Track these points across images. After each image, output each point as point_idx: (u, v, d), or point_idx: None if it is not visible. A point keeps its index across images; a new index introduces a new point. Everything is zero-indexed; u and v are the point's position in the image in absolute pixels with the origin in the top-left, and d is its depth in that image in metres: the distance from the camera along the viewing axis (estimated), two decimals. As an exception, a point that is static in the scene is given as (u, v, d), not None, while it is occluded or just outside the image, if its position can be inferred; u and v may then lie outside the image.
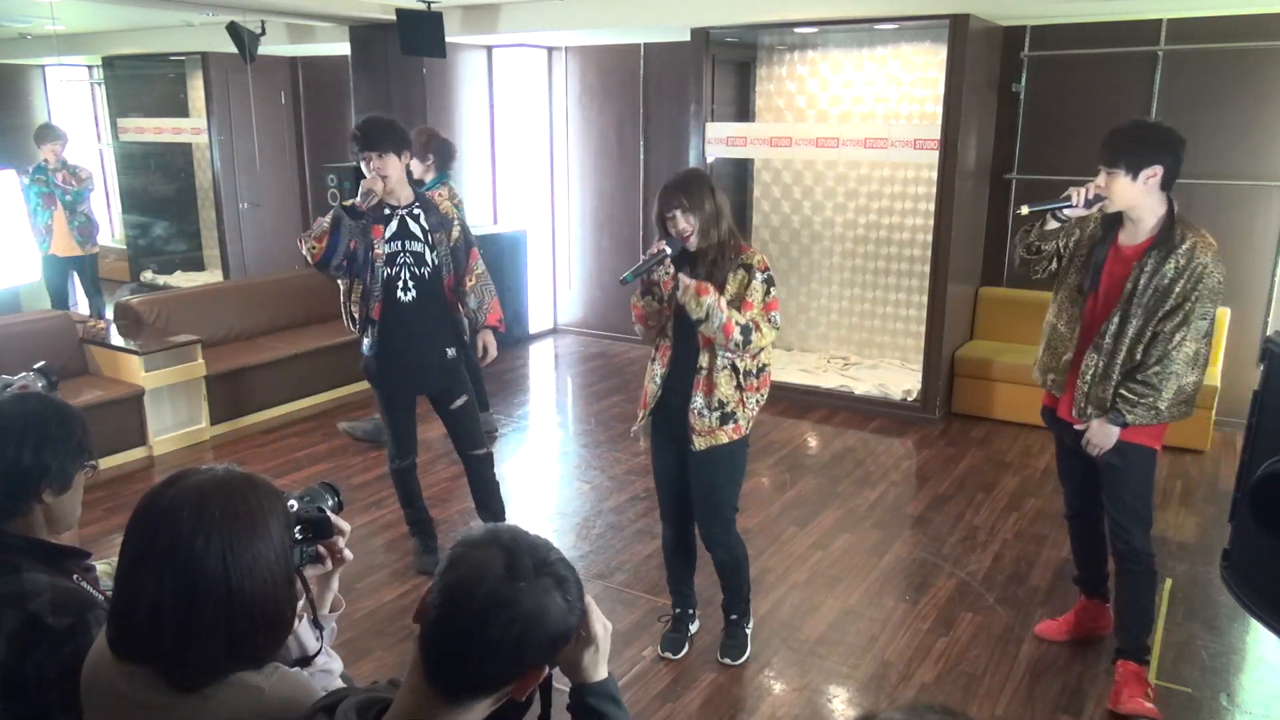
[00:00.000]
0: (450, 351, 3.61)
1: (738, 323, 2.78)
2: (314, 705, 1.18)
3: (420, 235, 3.45)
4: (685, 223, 2.81)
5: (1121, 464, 2.90)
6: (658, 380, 3.00)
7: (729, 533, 3.12)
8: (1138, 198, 2.69)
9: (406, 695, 1.13)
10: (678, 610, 3.34)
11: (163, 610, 1.20)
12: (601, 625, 1.22)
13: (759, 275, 2.85)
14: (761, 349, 2.89)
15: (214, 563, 1.19)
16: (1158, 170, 2.64)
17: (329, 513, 1.51)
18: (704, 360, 2.90)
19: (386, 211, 3.41)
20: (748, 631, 3.31)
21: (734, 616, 3.28)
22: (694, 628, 3.38)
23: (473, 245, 3.63)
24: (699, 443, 2.95)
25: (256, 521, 1.23)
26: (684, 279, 2.80)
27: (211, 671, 1.22)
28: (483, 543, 1.12)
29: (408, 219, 3.44)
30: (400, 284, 3.44)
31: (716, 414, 2.92)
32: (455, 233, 3.55)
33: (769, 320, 2.86)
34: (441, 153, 4.91)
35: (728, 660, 3.23)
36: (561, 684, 1.23)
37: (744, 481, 3.19)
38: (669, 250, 2.82)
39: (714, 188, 2.88)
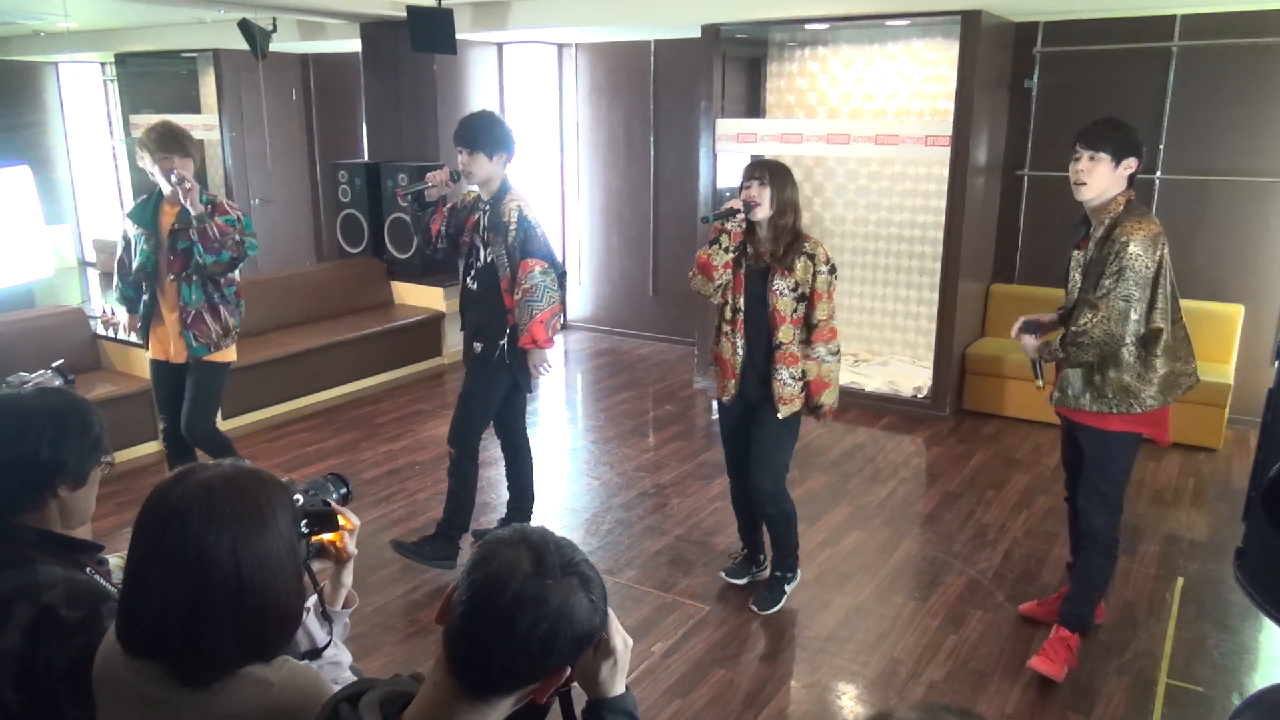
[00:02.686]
0: (476, 345, 3.67)
1: (826, 376, 3.29)
2: (337, 695, 1.18)
3: (480, 232, 3.60)
4: (758, 194, 3.14)
5: (1102, 452, 3.02)
6: (741, 351, 3.30)
7: (780, 487, 3.42)
8: (1111, 187, 2.84)
9: (430, 690, 1.13)
10: (746, 551, 3.74)
11: (174, 607, 1.21)
12: (621, 639, 1.22)
13: (824, 267, 3.21)
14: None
15: (225, 559, 1.20)
16: (1134, 163, 2.83)
17: (335, 505, 1.51)
18: (783, 336, 3.23)
19: (483, 205, 3.61)
20: (786, 589, 3.56)
21: (778, 573, 3.56)
22: (760, 572, 3.72)
23: (529, 255, 3.53)
24: (784, 410, 3.29)
25: (265, 517, 1.24)
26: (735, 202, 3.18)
27: (221, 666, 1.23)
28: (511, 541, 1.13)
29: (481, 215, 3.60)
30: (470, 272, 3.65)
31: (799, 383, 3.29)
32: (511, 237, 3.53)
33: (831, 322, 3.26)
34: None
35: (754, 607, 3.51)
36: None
37: None
38: (741, 208, 3.14)
39: (796, 184, 3.24)
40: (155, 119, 3.97)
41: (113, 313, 5.47)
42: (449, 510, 3.80)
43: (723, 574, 3.71)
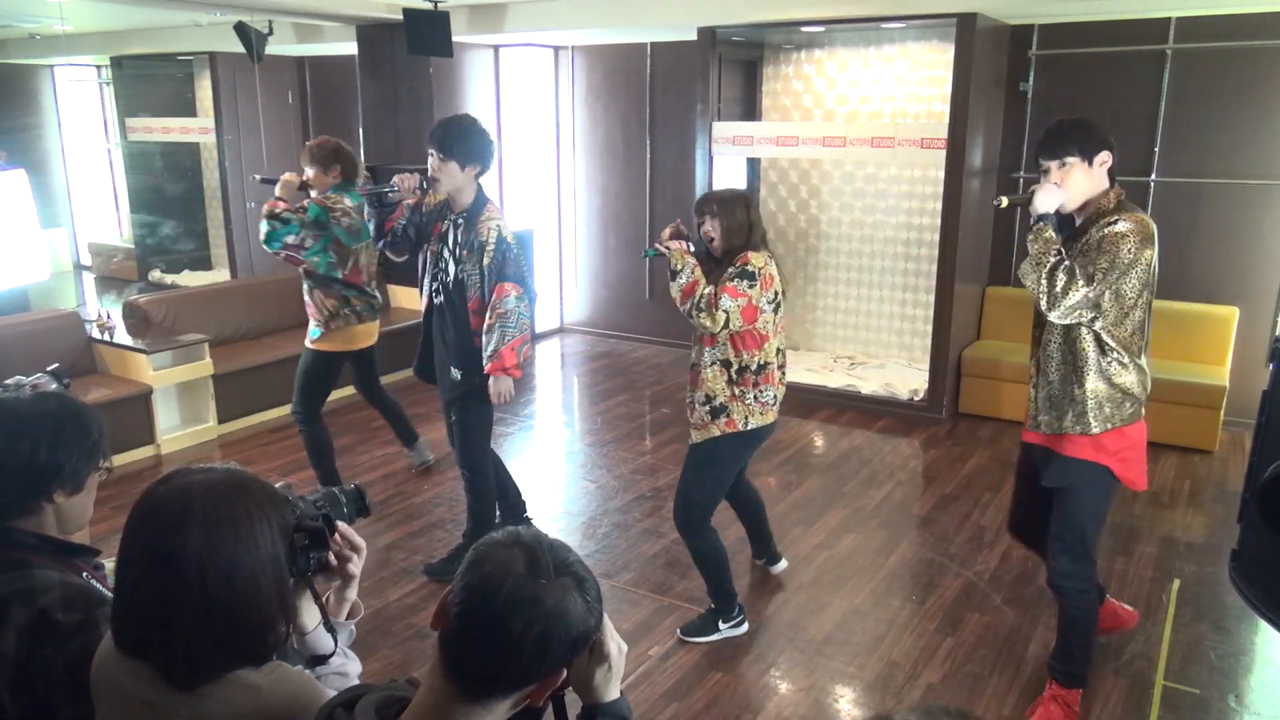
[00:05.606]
0: (454, 372, 3.53)
1: (700, 291, 2.97)
2: (332, 701, 1.18)
3: (451, 247, 3.46)
4: (710, 228, 3.06)
5: (1066, 485, 2.78)
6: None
7: (689, 522, 3.23)
8: (1091, 188, 2.63)
9: (426, 694, 1.13)
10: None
11: (147, 609, 1.21)
12: (616, 645, 1.22)
13: (733, 267, 3.00)
14: (707, 330, 3.01)
15: (189, 565, 1.18)
16: (1108, 157, 2.62)
17: (339, 523, 1.44)
18: (695, 355, 3.15)
19: (450, 214, 3.49)
20: (720, 627, 3.36)
21: (712, 605, 3.39)
22: (777, 567, 3.80)
23: (505, 279, 3.39)
24: (695, 435, 3.17)
25: (240, 528, 1.22)
26: (675, 243, 3.04)
27: (205, 670, 1.22)
28: (504, 543, 1.13)
29: (452, 227, 3.47)
30: (435, 286, 3.52)
31: (706, 408, 3.10)
32: (488, 258, 3.39)
33: (717, 303, 2.95)
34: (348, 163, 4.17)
35: (678, 630, 3.38)
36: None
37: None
38: (689, 245, 3.05)
39: (751, 206, 3.09)
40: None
41: (109, 316, 5.47)
42: (473, 522, 3.82)
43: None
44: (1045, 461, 2.82)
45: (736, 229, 3.05)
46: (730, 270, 2.99)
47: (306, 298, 4.18)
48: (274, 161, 8.18)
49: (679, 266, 3.01)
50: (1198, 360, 5.26)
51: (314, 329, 4.20)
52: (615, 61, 7.23)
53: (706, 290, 2.97)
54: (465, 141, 3.34)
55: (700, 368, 3.12)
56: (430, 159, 3.36)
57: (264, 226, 3.91)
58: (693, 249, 3.07)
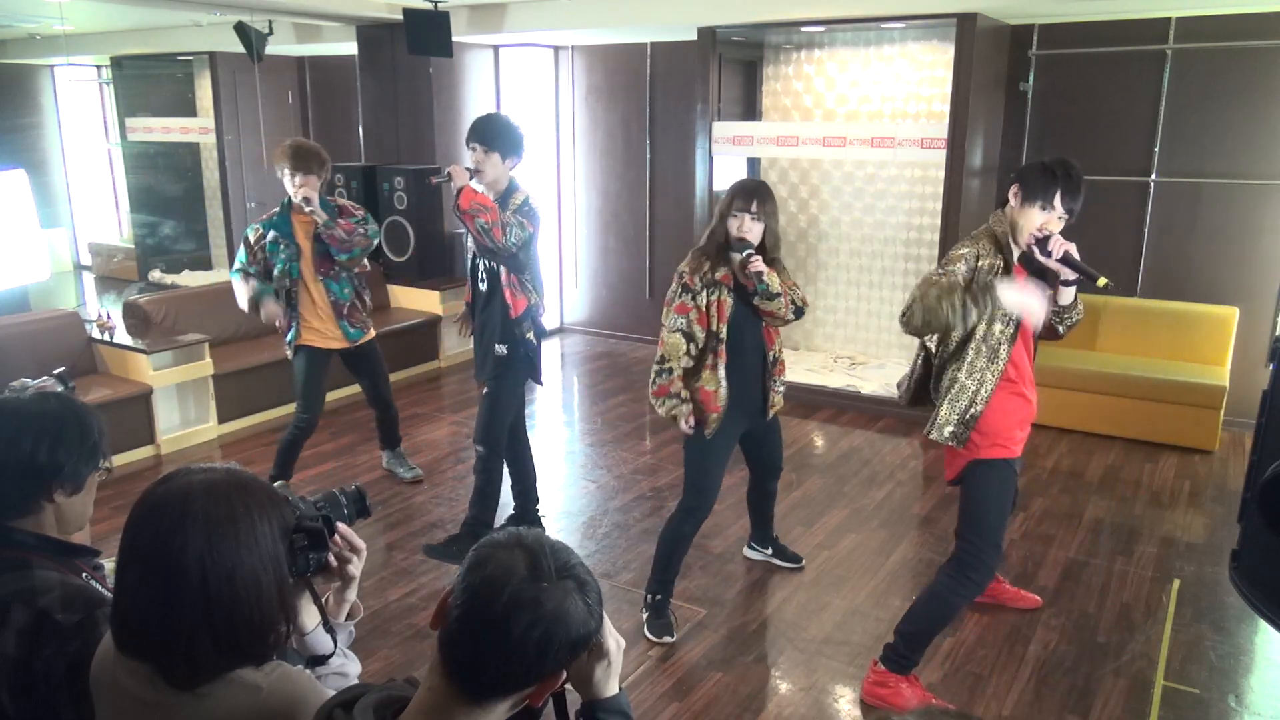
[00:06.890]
0: (499, 348, 3.72)
1: (794, 295, 3.24)
2: (331, 701, 1.17)
3: None
4: (752, 227, 3.10)
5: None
6: (724, 381, 3.18)
7: None
8: None
9: (425, 695, 1.13)
10: (659, 597, 3.41)
11: (146, 609, 1.21)
12: (614, 641, 1.22)
13: (777, 263, 3.25)
14: (799, 319, 3.33)
15: (191, 565, 1.18)
16: None
17: (339, 524, 1.44)
18: (778, 349, 3.35)
19: None
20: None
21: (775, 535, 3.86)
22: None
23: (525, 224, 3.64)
24: (773, 411, 3.39)
25: (240, 527, 1.22)
26: (760, 264, 3.07)
27: (204, 670, 1.22)
28: (506, 545, 1.13)
29: None
30: (479, 275, 3.75)
31: (783, 387, 3.41)
32: (509, 212, 3.62)
33: (804, 297, 3.31)
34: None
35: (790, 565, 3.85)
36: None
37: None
38: (750, 252, 3.08)
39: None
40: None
41: (109, 316, 5.46)
42: (476, 508, 3.85)
43: (653, 635, 3.35)
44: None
45: (775, 239, 3.20)
46: (780, 266, 3.24)
47: (355, 304, 4.29)
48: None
49: (777, 290, 3.13)
50: (1198, 360, 5.26)
51: (355, 332, 4.32)
52: (615, 61, 7.23)
53: (796, 292, 3.24)
54: (505, 135, 3.60)
55: (779, 358, 3.38)
56: (473, 153, 3.60)
57: (354, 258, 4.13)
58: (752, 253, 3.08)
